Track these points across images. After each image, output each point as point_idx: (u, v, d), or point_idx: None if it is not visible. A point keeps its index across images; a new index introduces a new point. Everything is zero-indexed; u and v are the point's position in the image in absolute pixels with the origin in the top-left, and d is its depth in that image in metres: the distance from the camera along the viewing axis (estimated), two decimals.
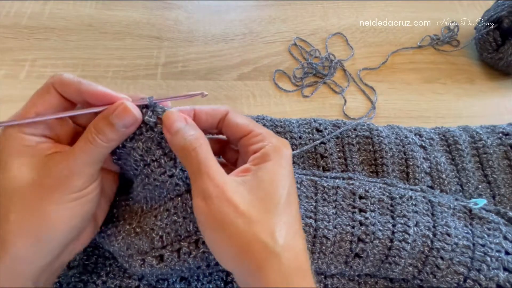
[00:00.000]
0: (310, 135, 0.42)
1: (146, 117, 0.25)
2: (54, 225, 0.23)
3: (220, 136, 0.30)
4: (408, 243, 0.32)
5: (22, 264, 0.23)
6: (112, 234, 0.29)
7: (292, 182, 0.25)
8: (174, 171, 0.26)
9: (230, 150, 0.31)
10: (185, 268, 0.27)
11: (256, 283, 0.22)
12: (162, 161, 0.26)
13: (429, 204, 0.35)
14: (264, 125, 0.43)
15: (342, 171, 0.40)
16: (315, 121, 0.43)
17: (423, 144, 0.42)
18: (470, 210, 0.35)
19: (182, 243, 0.26)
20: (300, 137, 0.42)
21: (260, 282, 0.21)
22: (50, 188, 0.23)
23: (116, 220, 0.30)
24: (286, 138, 0.42)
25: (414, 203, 0.35)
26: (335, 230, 0.33)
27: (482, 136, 0.42)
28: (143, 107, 0.25)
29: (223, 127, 0.27)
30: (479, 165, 0.41)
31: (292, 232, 0.23)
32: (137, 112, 0.24)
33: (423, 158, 0.40)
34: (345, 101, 0.48)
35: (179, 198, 0.26)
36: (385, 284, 0.34)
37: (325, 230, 0.33)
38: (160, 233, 0.26)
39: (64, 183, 0.23)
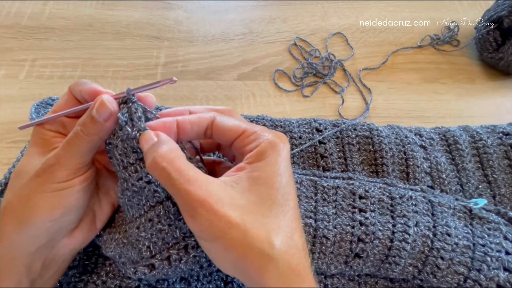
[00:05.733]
0: (310, 135, 0.42)
1: (119, 114, 0.24)
2: (35, 211, 0.25)
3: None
4: (408, 243, 0.32)
5: (12, 248, 0.25)
6: (106, 240, 0.29)
7: (288, 178, 0.24)
8: (150, 177, 0.25)
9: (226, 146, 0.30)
10: (178, 272, 0.27)
11: (255, 286, 0.22)
12: (138, 166, 0.25)
13: (429, 204, 0.35)
14: (264, 125, 0.43)
15: (342, 171, 0.40)
16: (315, 121, 0.43)
17: (423, 144, 0.42)
18: (470, 210, 0.35)
19: (171, 251, 0.26)
20: (300, 137, 0.42)
21: (259, 286, 0.21)
22: (37, 175, 0.25)
23: (112, 226, 0.30)
24: None
25: (414, 203, 0.35)
26: (335, 230, 0.33)
27: (482, 136, 0.42)
28: (123, 103, 0.25)
29: (212, 134, 0.26)
30: (479, 165, 0.41)
31: (289, 233, 0.22)
32: (112, 106, 0.24)
33: (423, 158, 0.40)
34: (343, 101, 0.48)
35: (161, 206, 0.25)
36: (385, 284, 0.34)
37: (325, 230, 0.33)
38: (146, 244, 0.26)
39: (48, 172, 0.25)
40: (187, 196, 0.21)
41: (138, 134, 0.24)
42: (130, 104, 0.25)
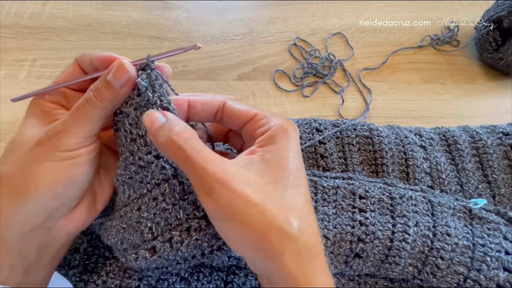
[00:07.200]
0: (310, 135, 0.42)
1: (139, 79, 0.24)
2: (35, 183, 0.23)
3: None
4: (408, 243, 0.32)
5: (5, 228, 0.23)
6: (107, 228, 0.28)
7: (300, 163, 0.24)
8: (159, 151, 0.24)
9: (234, 136, 0.30)
10: (179, 257, 0.26)
11: (272, 267, 0.21)
12: (148, 139, 0.24)
13: (429, 204, 0.35)
14: None
15: (342, 171, 0.40)
16: (315, 121, 0.43)
17: (423, 144, 0.42)
18: (470, 210, 0.35)
19: (173, 232, 0.25)
20: (300, 137, 0.42)
21: (280, 267, 0.21)
22: (41, 143, 0.23)
23: (113, 211, 0.29)
24: None
25: (414, 203, 0.35)
26: (335, 230, 0.33)
27: (482, 136, 0.42)
28: (141, 69, 0.24)
29: (223, 117, 0.26)
30: (479, 165, 0.41)
31: (305, 214, 0.22)
32: (131, 70, 0.24)
33: (423, 158, 0.40)
34: (343, 101, 0.48)
35: (166, 184, 0.25)
36: (385, 284, 0.34)
37: (325, 230, 0.33)
38: (149, 225, 0.25)
39: (54, 138, 0.23)
40: (204, 174, 0.21)
41: (159, 101, 0.24)
42: (149, 71, 0.24)
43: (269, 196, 0.22)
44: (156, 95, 0.24)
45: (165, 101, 0.24)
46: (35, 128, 0.24)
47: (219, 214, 0.22)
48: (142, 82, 0.24)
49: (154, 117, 0.23)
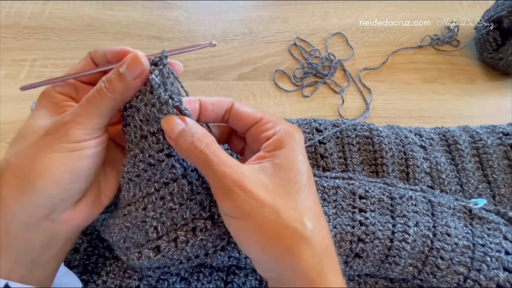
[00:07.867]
0: (310, 135, 0.42)
1: (152, 76, 0.23)
2: (41, 174, 0.23)
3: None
4: (408, 243, 0.32)
5: (9, 220, 0.23)
6: (110, 225, 0.28)
7: (308, 167, 0.25)
8: (171, 150, 0.24)
9: (236, 138, 0.30)
10: (183, 257, 0.26)
11: (285, 266, 0.22)
12: (161, 136, 0.24)
13: (429, 204, 0.35)
14: None
15: (342, 171, 0.40)
16: (315, 121, 0.43)
17: (423, 144, 0.42)
18: (470, 210, 0.35)
19: (179, 232, 0.25)
20: None
21: (294, 267, 0.22)
22: (48, 134, 0.23)
23: (116, 209, 0.29)
24: None
25: (414, 203, 0.35)
26: (335, 230, 0.33)
27: (482, 136, 0.42)
28: (153, 64, 0.24)
29: (229, 118, 0.27)
30: (479, 165, 0.41)
31: (316, 216, 0.23)
32: (145, 63, 0.24)
33: (423, 158, 0.40)
34: (343, 101, 0.48)
35: (175, 184, 0.25)
36: (385, 284, 0.34)
37: None
38: (154, 224, 0.25)
39: (61, 129, 0.23)
40: (223, 177, 0.22)
41: (170, 100, 0.24)
42: (162, 66, 0.24)
43: (282, 198, 0.22)
44: (167, 93, 0.24)
45: (176, 99, 0.24)
46: (44, 118, 0.24)
47: (236, 213, 0.22)
48: (156, 79, 0.24)
49: (173, 123, 0.23)
